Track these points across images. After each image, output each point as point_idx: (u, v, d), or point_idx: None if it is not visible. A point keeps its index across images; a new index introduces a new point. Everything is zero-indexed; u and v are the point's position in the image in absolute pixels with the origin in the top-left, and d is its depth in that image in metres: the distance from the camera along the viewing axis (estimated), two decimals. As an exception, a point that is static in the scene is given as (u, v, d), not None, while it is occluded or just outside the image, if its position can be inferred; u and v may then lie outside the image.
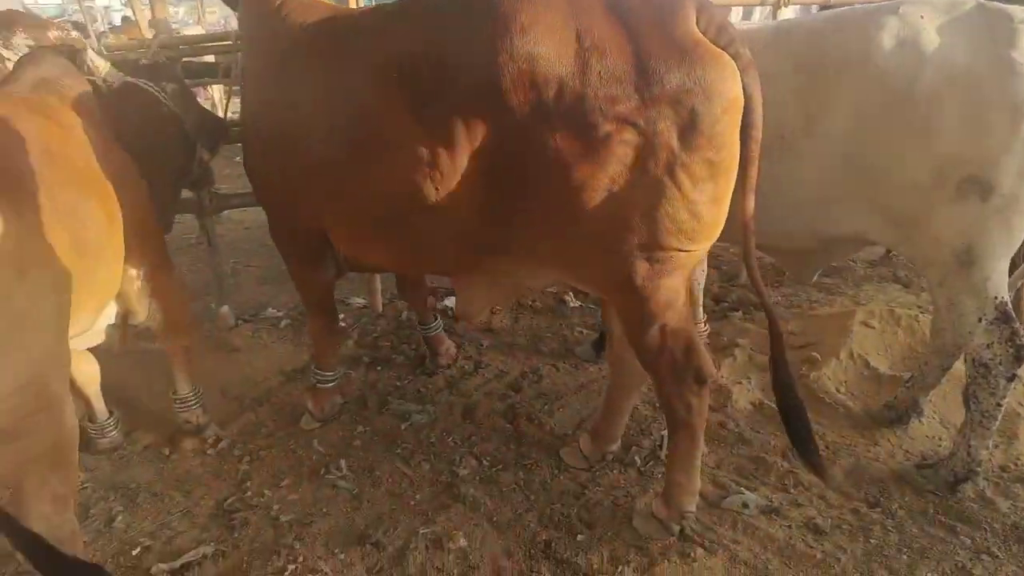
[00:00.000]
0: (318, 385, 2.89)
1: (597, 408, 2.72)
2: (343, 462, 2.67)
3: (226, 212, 4.64)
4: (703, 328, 3.28)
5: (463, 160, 1.85)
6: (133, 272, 2.38)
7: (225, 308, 3.77)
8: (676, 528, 2.22)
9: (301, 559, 2.22)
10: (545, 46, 1.68)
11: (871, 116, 2.12)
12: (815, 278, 2.72)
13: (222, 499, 2.52)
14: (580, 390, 3.11)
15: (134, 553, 2.29)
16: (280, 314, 3.92)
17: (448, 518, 2.38)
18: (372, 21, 2.05)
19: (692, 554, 2.17)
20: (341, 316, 3.81)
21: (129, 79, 2.60)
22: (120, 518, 2.45)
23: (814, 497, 2.40)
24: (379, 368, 3.35)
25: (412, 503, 2.47)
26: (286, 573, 2.16)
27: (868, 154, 2.15)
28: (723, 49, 1.73)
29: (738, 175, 1.84)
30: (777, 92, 2.25)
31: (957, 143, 2.02)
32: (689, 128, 1.70)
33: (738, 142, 1.79)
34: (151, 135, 2.58)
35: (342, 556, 2.23)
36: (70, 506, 1.83)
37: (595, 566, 2.15)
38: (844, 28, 2.22)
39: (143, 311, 2.50)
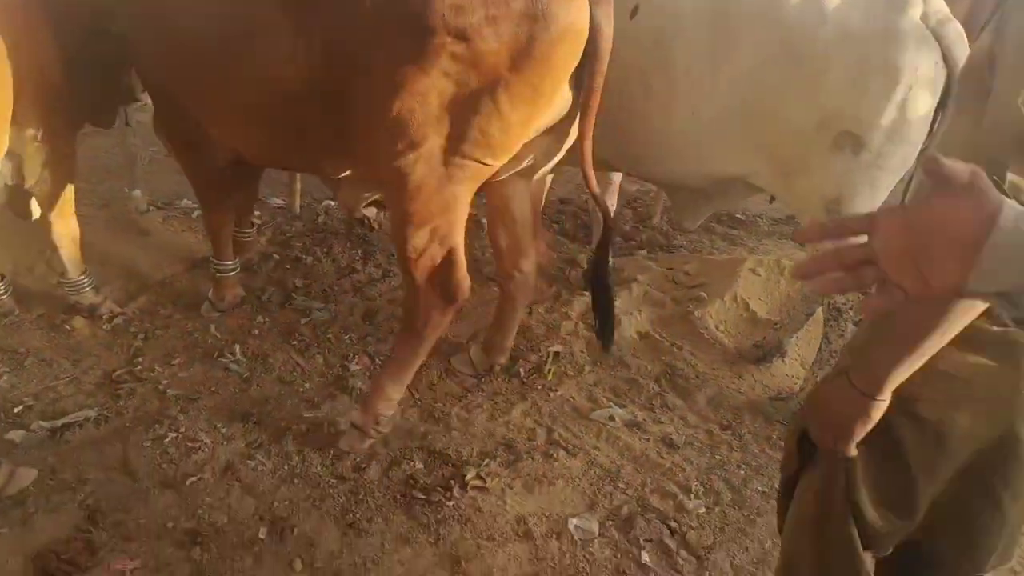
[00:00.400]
0: (217, 275, 2.93)
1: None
2: (238, 348, 2.74)
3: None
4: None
5: (316, 53, 1.88)
6: (29, 133, 2.35)
7: (137, 192, 3.71)
8: (373, 434, 2.29)
9: (183, 429, 2.30)
10: None
11: (771, 64, 2.24)
12: (696, 224, 2.88)
13: (111, 370, 2.56)
14: (481, 305, 3.23)
15: (16, 411, 2.33)
16: (194, 205, 3.86)
17: (332, 406, 2.49)
18: None
19: (555, 455, 2.35)
20: (257, 214, 3.81)
21: None
22: (5, 378, 2.47)
23: (675, 417, 2.61)
24: (287, 267, 3.39)
25: (300, 391, 2.57)
26: (166, 440, 2.25)
27: (763, 99, 2.27)
28: None
29: (581, 102, 1.95)
30: (693, 30, 2.35)
31: (840, 99, 2.17)
32: (523, 52, 1.75)
33: (567, 72, 1.86)
34: (84, 20, 2.49)
35: (224, 430, 2.32)
36: None
37: (464, 458, 2.31)
38: None
39: (32, 177, 2.48)
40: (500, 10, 1.71)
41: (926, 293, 0.70)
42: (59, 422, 2.27)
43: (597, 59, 1.87)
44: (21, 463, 2.07)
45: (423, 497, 2.15)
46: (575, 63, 1.87)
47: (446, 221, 2.03)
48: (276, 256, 3.46)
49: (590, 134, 2.04)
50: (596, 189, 2.19)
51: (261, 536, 1.98)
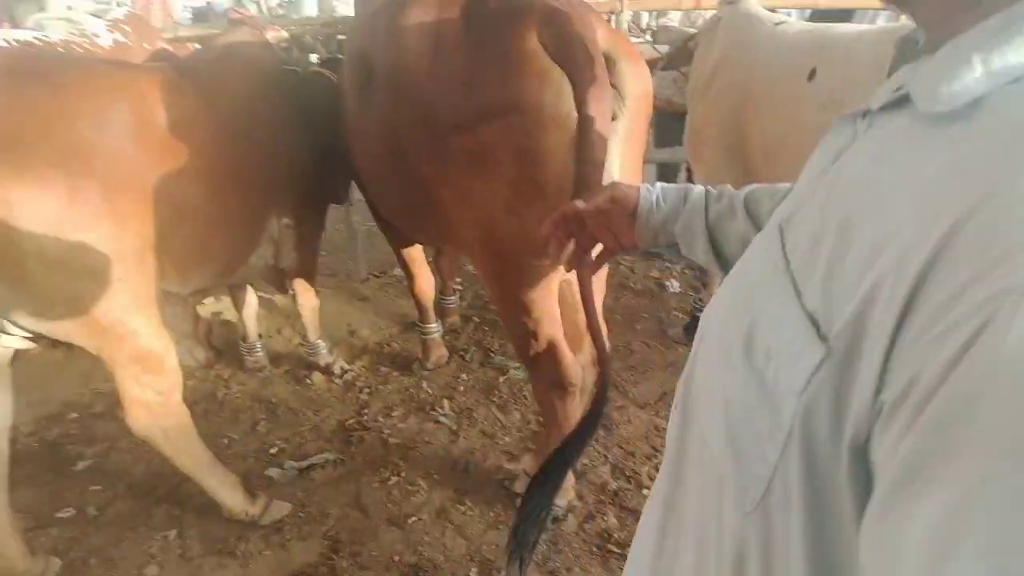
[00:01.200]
0: (423, 337, 3.30)
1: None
2: (446, 402, 3.05)
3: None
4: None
5: (389, 138, 2.04)
6: (284, 222, 2.77)
7: (358, 262, 4.26)
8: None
9: (403, 474, 2.61)
10: (413, 39, 1.83)
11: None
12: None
13: (344, 419, 2.97)
14: (668, 367, 3.33)
15: (271, 451, 2.77)
16: (405, 273, 4.37)
17: (529, 460, 2.69)
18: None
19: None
20: (458, 280, 4.22)
21: (317, 68, 2.87)
22: (262, 424, 2.95)
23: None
24: (486, 328, 3.71)
25: (500, 443, 2.81)
26: (390, 482, 2.57)
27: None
28: (561, 64, 1.64)
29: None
30: (866, 87, 2.37)
31: None
32: (515, 147, 1.71)
33: (566, 161, 1.68)
34: (328, 117, 2.73)
35: (436, 476, 2.61)
36: (171, 402, 2.14)
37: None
38: None
39: (286, 256, 2.87)
40: (483, 101, 1.71)
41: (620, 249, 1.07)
42: (305, 463, 2.68)
43: (588, 148, 1.62)
44: (278, 497, 2.47)
45: (618, 552, 2.26)
46: (564, 151, 1.69)
47: (532, 320, 2.01)
48: (475, 319, 3.80)
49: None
50: (597, 324, 1.59)
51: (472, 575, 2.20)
